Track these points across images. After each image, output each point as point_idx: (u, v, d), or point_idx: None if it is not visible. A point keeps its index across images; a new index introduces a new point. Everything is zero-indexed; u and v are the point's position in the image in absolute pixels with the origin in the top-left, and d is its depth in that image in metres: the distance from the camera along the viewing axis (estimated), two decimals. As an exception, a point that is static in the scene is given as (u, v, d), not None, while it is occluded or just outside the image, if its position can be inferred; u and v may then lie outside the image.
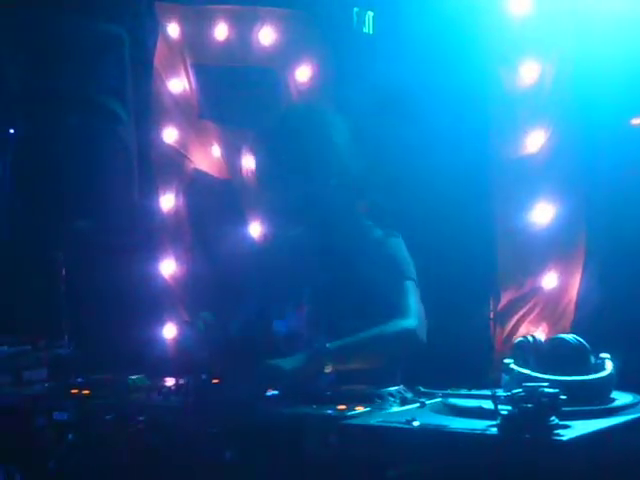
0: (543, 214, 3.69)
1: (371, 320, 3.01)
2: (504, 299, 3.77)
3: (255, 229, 4.22)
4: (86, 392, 2.85)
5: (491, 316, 3.76)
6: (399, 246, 3.29)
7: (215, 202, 4.34)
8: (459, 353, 3.57)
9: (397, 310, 3.06)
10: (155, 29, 4.24)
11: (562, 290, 3.69)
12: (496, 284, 3.79)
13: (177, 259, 4.31)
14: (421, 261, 3.32)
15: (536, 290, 3.72)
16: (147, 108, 4.22)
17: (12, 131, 3.43)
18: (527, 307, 3.72)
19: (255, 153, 3.48)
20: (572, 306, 3.68)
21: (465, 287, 3.77)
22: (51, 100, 3.51)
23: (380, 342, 2.99)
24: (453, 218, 3.79)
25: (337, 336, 2.97)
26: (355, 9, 4.27)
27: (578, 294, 3.68)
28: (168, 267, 4.31)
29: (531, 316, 3.72)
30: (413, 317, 3.04)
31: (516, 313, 3.73)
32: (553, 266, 3.70)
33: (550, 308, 3.70)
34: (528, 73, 3.73)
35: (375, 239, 3.27)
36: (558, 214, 3.68)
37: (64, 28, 3.62)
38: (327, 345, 2.89)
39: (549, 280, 3.70)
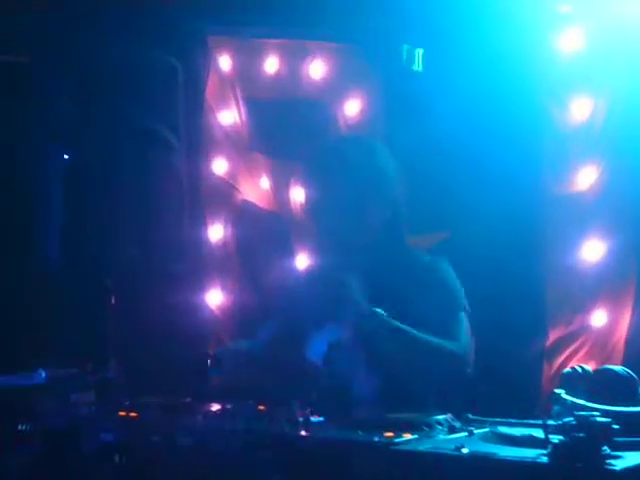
0: (593, 251, 3.67)
1: None
2: (553, 336, 3.74)
3: (302, 261, 4.23)
4: (133, 414, 2.85)
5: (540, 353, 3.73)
6: (449, 272, 3.28)
7: (263, 233, 4.35)
8: (508, 388, 3.53)
9: (448, 337, 3.05)
10: (207, 61, 4.28)
11: (611, 328, 3.66)
12: (545, 321, 3.76)
13: (224, 290, 4.32)
14: (470, 298, 3.32)
15: (585, 328, 3.69)
16: (198, 139, 4.25)
17: (66, 157, 3.47)
18: (576, 344, 3.69)
19: (306, 185, 3.48)
20: (621, 344, 3.65)
21: (514, 323, 3.74)
22: (104, 127, 3.55)
23: (429, 348, 3.02)
24: (503, 254, 3.77)
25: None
26: (405, 46, 4.28)
27: (628, 332, 3.64)
28: (215, 298, 4.32)
29: (580, 354, 3.69)
30: (463, 347, 3.04)
31: (565, 350, 3.71)
32: (602, 304, 3.68)
33: (599, 346, 3.67)
34: (579, 109, 3.74)
35: (425, 266, 3.26)
36: (608, 251, 3.66)
37: (116, 55, 3.67)
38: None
39: (598, 318, 3.68)
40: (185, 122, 3.80)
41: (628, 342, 3.63)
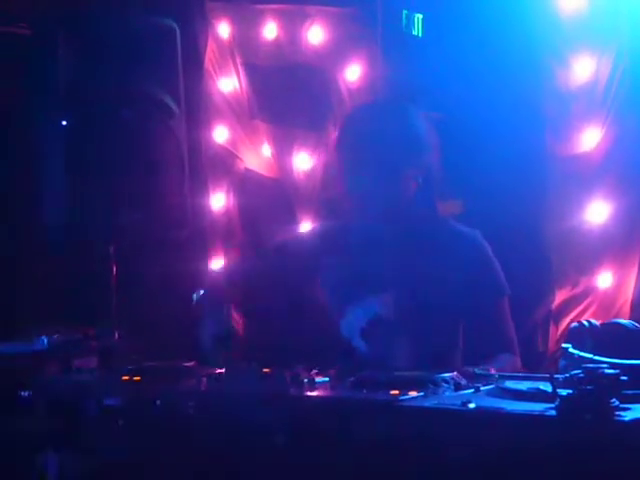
0: (598, 213, 3.64)
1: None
2: (559, 298, 3.72)
3: (306, 228, 4.20)
4: (137, 378, 2.83)
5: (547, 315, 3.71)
6: (488, 250, 3.22)
7: (265, 201, 4.33)
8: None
9: (489, 326, 2.99)
10: (206, 28, 4.26)
11: (617, 289, 3.63)
12: (551, 283, 3.73)
13: (227, 258, 4.30)
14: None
15: (591, 289, 3.67)
16: (198, 107, 4.23)
17: (64, 123, 3.44)
18: (582, 306, 3.67)
19: (338, 152, 3.34)
20: (628, 305, 3.62)
21: (521, 285, 3.71)
22: (103, 92, 3.52)
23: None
24: (507, 217, 3.75)
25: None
26: (404, 11, 4.25)
27: (634, 293, 3.61)
28: (218, 266, 4.29)
29: (586, 315, 3.65)
30: (515, 350, 3.03)
31: (571, 312, 3.68)
32: (608, 265, 3.64)
33: (605, 308, 3.64)
34: (582, 69, 3.69)
35: (461, 240, 3.20)
36: (613, 213, 3.62)
37: (115, 20, 3.64)
38: None
39: (604, 279, 3.65)
40: (185, 89, 3.75)
41: (634, 303, 3.60)
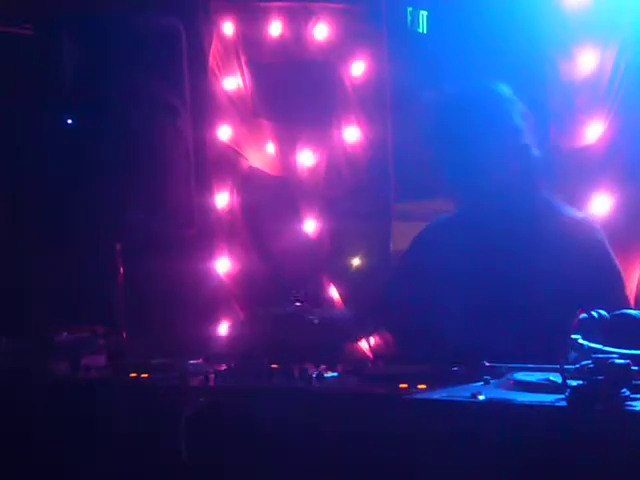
0: (601, 205, 3.63)
1: None
2: (563, 290, 3.70)
3: (310, 226, 4.21)
4: (145, 376, 2.84)
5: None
6: (604, 239, 3.16)
7: (270, 199, 4.33)
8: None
9: None
10: (210, 27, 4.27)
11: (621, 282, 3.62)
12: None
13: (232, 257, 4.30)
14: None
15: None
16: (203, 106, 4.23)
17: (70, 122, 3.44)
18: (587, 300, 3.65)
19: (431, 145, 3.26)
20: (632, 299, 3.61)
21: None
22: (107, 92, 3.53)
23: None
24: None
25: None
26: (409, 9, 4.26)
27: (638, 286, 3.61)
28: (223, 265, 4.30)
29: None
30: None
31: (576, 305, 3.66)
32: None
33: (609, 302, 3.63)
34: (586, 63, 3.69)
35: (572, 225, 3.16)
36: (617, 205, 3.61)
37: (120, 20, 3.65)
38: None
39: (608, 273, 3.63)
40: (190, 88, 3.75)
41: (638, 296, 3.60)
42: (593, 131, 3.66)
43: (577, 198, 3.65)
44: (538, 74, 3.73)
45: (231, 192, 4.37)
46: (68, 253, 3.71)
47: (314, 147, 4.26)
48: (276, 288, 4.01)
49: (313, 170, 4.29)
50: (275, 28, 4.29)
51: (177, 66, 3.68)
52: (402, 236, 4.28)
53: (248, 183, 4.38)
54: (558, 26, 3.69)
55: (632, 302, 3.57)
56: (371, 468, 2.35)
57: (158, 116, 3.61)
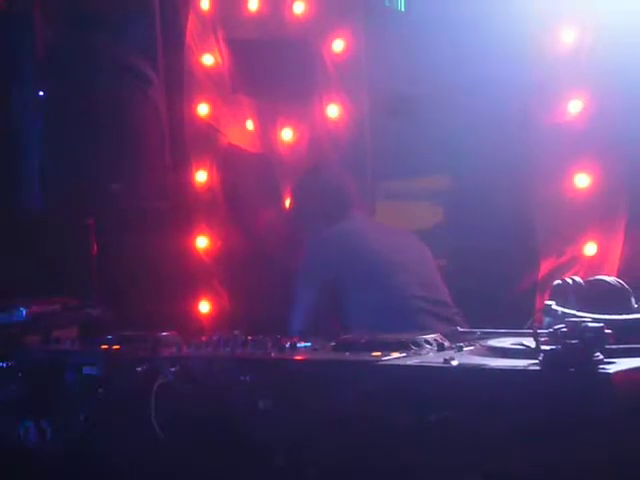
0: (583, 182, 3.61)
1: None
2: (544, 268, 3.69)
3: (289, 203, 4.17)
4: (116, 347, 2.80)
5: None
6: None
7: (249, 176, 4.29)
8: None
9: None
10: (186, 2, 4.21)
11: (603, 259, 3.61)
12: (536, 253, 3.71)
13: (212, 234, 4.26)
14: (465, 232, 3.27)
15: (576, 259, 3.64)
16: (180, 81, 4.17)
17: (42, 94, 3.39)
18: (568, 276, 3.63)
19: None
20: (613, 275, 3.59)
21: (507, 256, 3.70)
22: (81, 61, 3.48)
23: None
24: (493, 187, 3.73)
25: None
26: (387, -14, 4.23)
27: (619, 262, 3.59)
28: (203, 242, 4.25)
29: (571, 285, 3.62)
30: None
31: (557, 282, 3.64)
32: (593, 235, 3.63)
33: (591, 276, 3.60)
34: (566, 38, 3.67)
35: None
36: (598, 182, 3.60)
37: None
38: None
39: (589, 248, 3.62)
40: (165, 62, 3.70)
41: (620, 273, 3.57)
42: (574, 107, 3.64)
43: (559, 175, 3.64)
44: (520, 50, 3.70)
45: (210, 169, 4.31)
46: (40, 225, 3.65)
47: (295, 124, 4.23)
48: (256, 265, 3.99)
49: (294, 147, 4.25)
50: (252, 3, 4.24)
51: (149, 35, 3.64)
52: (387, 215, 4.28)
53: (227, 160, 4.33)
54: (539, 2, 3.67)
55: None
56: (346, 436, 2.32)
57: (129, 84, 3.56)
